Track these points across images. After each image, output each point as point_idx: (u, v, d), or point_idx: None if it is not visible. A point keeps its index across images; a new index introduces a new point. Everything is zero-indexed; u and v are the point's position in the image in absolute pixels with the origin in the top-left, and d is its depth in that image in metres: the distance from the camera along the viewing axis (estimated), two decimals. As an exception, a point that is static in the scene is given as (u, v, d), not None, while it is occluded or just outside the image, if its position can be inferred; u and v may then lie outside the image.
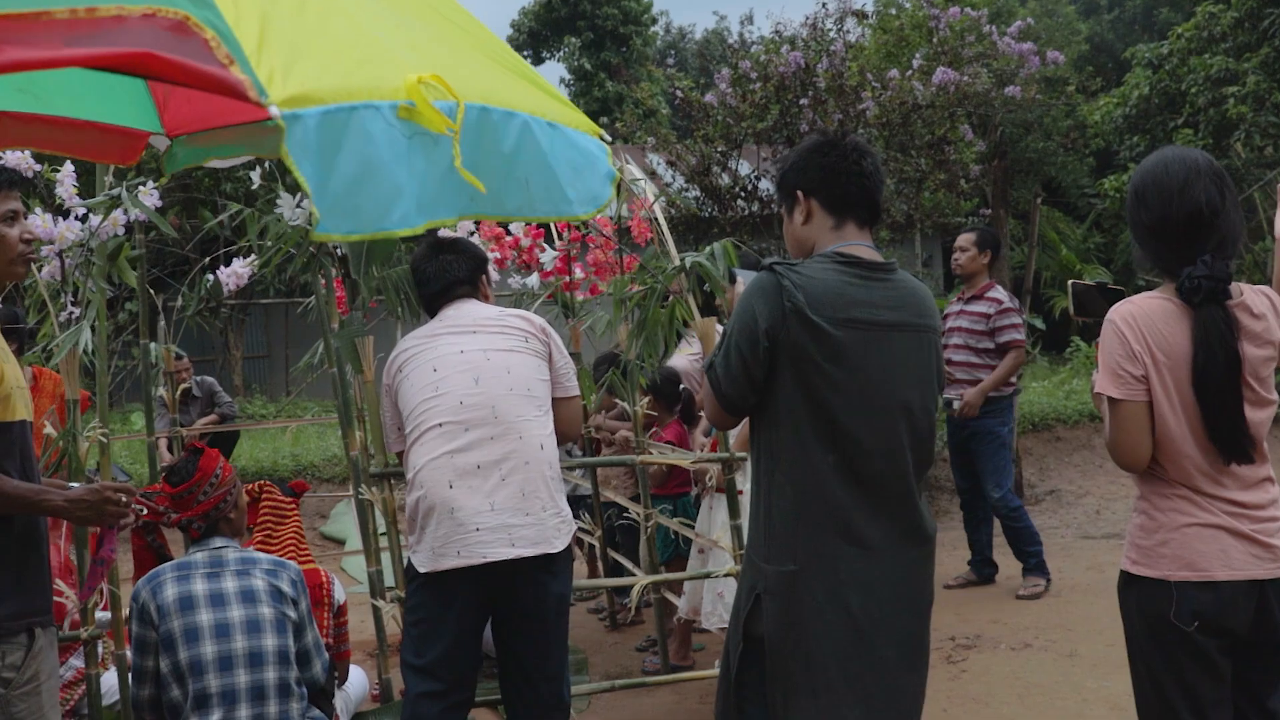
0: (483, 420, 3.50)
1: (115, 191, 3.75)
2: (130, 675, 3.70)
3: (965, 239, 6.83)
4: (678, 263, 4.19)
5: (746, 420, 2.98)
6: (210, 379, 9.88)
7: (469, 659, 3.64)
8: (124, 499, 2.94)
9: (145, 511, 3.55)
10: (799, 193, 2.94)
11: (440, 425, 3.50)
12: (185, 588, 3.61)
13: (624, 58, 29.25)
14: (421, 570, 3.52)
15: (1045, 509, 9.40)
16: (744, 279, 3.28)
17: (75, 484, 3.17)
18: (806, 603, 2.77)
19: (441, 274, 3.75)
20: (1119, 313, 2.76)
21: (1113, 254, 19.37)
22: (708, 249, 4.06)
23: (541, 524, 3.51)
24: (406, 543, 3.60)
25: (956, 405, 6.64)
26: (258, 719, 3.55)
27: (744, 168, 10.83)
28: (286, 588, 3.75)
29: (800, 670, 2.78)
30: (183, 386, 8.53)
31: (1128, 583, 2.84)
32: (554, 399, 3.73)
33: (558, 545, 3.55)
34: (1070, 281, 3.25)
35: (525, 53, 32.47)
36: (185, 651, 3.55)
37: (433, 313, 3.79)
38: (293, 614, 3.73)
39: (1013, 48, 13.10)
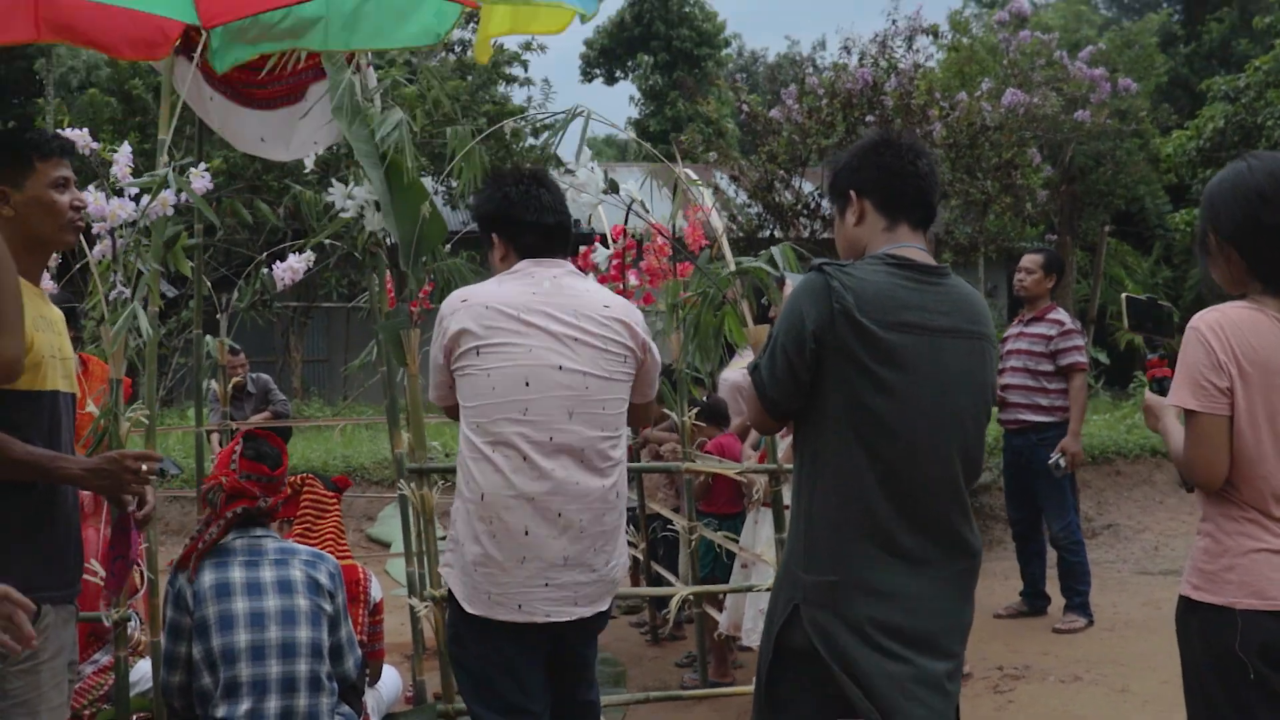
0: (570, 464, 3.11)
1: (163, 171, 3.74)
2: (162, 661, 3.68)
3: (1031, 260, 6.66)
4: (733, 267, 4.12)
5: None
6: (266, 376, 9.92)
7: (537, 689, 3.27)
8: (144, 468, 2.89)
9: (173, 473, 3.59)
10: (852, 193, 2.85)
11: (526, 460, 3.08)
12: (223, 574, 3.60)
13: (695, 76, 29.27)
14: (470, 612, 3.18)
15: (1102, 543, 9.18)
16: (792, 282, 3.18)
17: None
18: (847, 614, 2.67)
19: (539, 209, 3.25)
20: (1205, 320, 2.62)
21: (1181, 289, 19.02)
22: (766, 252, 3.99)
23: (602, 580, 3.23)
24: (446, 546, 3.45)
25: (1063, 463, 6.32)
26: (287, 710, 3.53)
27: (807, 186, 10.74)
28: (324, 580, 3.73)
29: (842, 682, 2.67)
30: (235, 380, 8.57)
31: (1188, 609, 2.68)
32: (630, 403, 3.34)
33: (609, 601, 3.31)
34: (1124, 295, 3.12)
35: (598, 70, 32.64)
36: (218, 638, 3.53)
37: (518, 250, 3.27)
38: (328, 607, 3.70)
39: (1084, 72, 12.94)
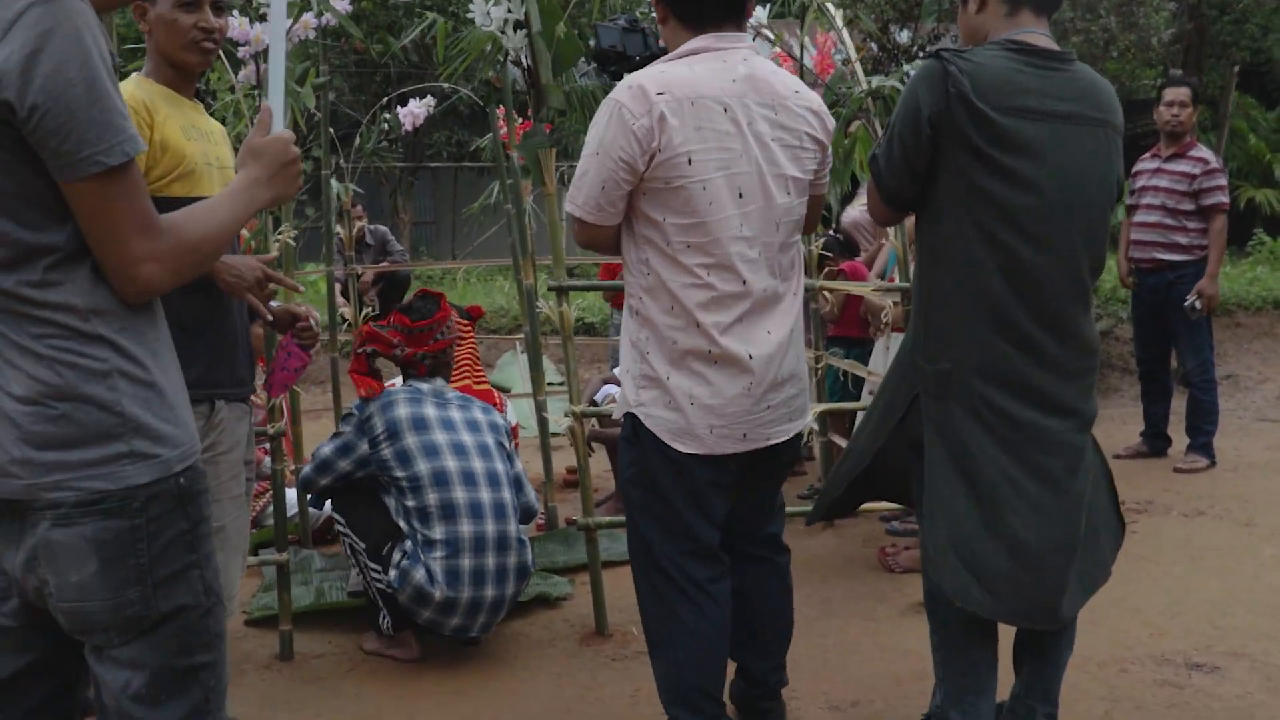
0: (769, 277, 2.84)
1: (307, -7, 3.79)
2: (322, 460, 3.89)
3: (1180, 93, 6.40)
4: (865, 86, 4.08)
5: None
6: (384, 228, 10.09)
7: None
8: (269, 285, 3.07)
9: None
10: None
11: (745, 282, 2.79)
12: (418, 409, 3.86)
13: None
14: (689, 452, 2.83)
15: (1223, 393, 8.99)
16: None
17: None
18: (965, 401, 2.70)
19: None
20: None
21: (1307, 145, 18.30)
22: (898, 71, 3.94)
23: (804, 391, 3.02)
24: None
25: (1199, 305, 6.24)
26: (501, 535, 3.78)
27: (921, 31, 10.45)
28: (500, 420, 4.02)
29: (958, 476, 2.71)
30: (357, 228, 8.72)
31: None
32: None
33: (807, 416, 3.07)
34: None
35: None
36: (425, 463, 3.76)
37: (693, 17, 2.81)
38: (509, 445, 4.00)
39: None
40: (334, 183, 6.48)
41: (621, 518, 4.00)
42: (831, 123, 3.00)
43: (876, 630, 4.16)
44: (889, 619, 4.26)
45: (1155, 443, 6.81)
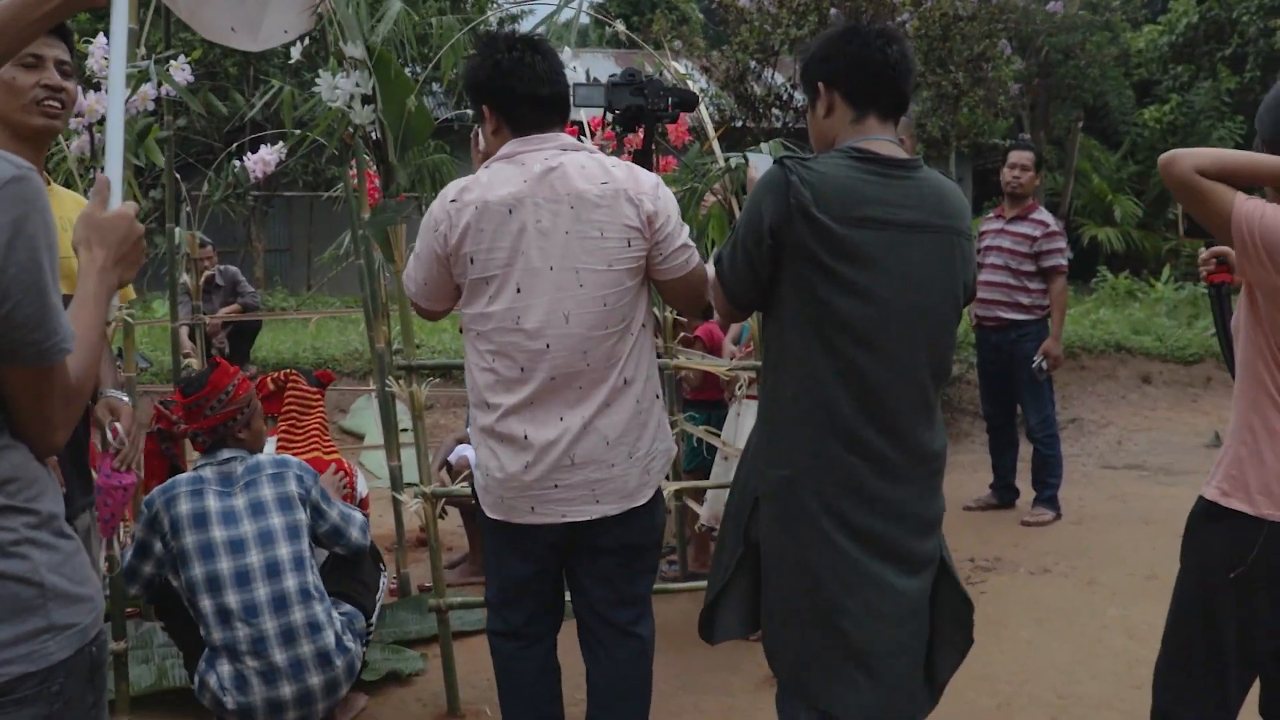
0: (570, 366, 2.91)
1: (144, 64, 3.64)
2: (131, 556, 3.74)
3: (1023, 156, 6.61)
4: (722, 163, 4.08)
5: None
6: (234, 268, 9.83)
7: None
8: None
9: (143, 367, 3.59)
10: (820, 84, 2.77)
11: (523, 370, 2.91)
12: (199, 504, 3.68)
13: (660, -39, 28.71)
14: (491, 516, 3.06)
15: (1067, 437, 9.31)
16: (755, 162, 3.13)
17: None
18: (802, 510, 2.68)
19: (533, 78, 2.92)
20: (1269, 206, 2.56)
21: (1145, 185, 19.07)
22: (758, 147, 3.94)
23: (627, 475, 3.01)
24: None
25: (1045, 365, 6.45)
26: (286, 628, 3.61)
27: (778, 78, 10.62)
28: (294, 488, 3.80)
29: (796, 579, 2.70)
30: (206, 274, 8.48)
31: (1212, 514, 2.69)
32: (663, 281, 3.05)
33: (645, 495, 3.07)
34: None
35: (559, -49, 31.90)
36: (201, 567, 3.62)
37: (509, 123, 2.97)
38: (303, 517, 3.78)
39: (1057, -41, 12.84)
40: (177, 230, 6.27)
41: (475, 597, 3.94)
42: (661, 202, 2.98)
43: (731, 706, 4.14)
44: (745, 692, 4.25)
45: (1004, 494, 6.97)
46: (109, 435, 2.95)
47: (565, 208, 2.88)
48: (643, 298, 3.03)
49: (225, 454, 3.81)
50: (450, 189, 2.99)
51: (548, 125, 2.97)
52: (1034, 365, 6.44)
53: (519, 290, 2.88)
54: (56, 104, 2.74)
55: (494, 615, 3.20)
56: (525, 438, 2.93)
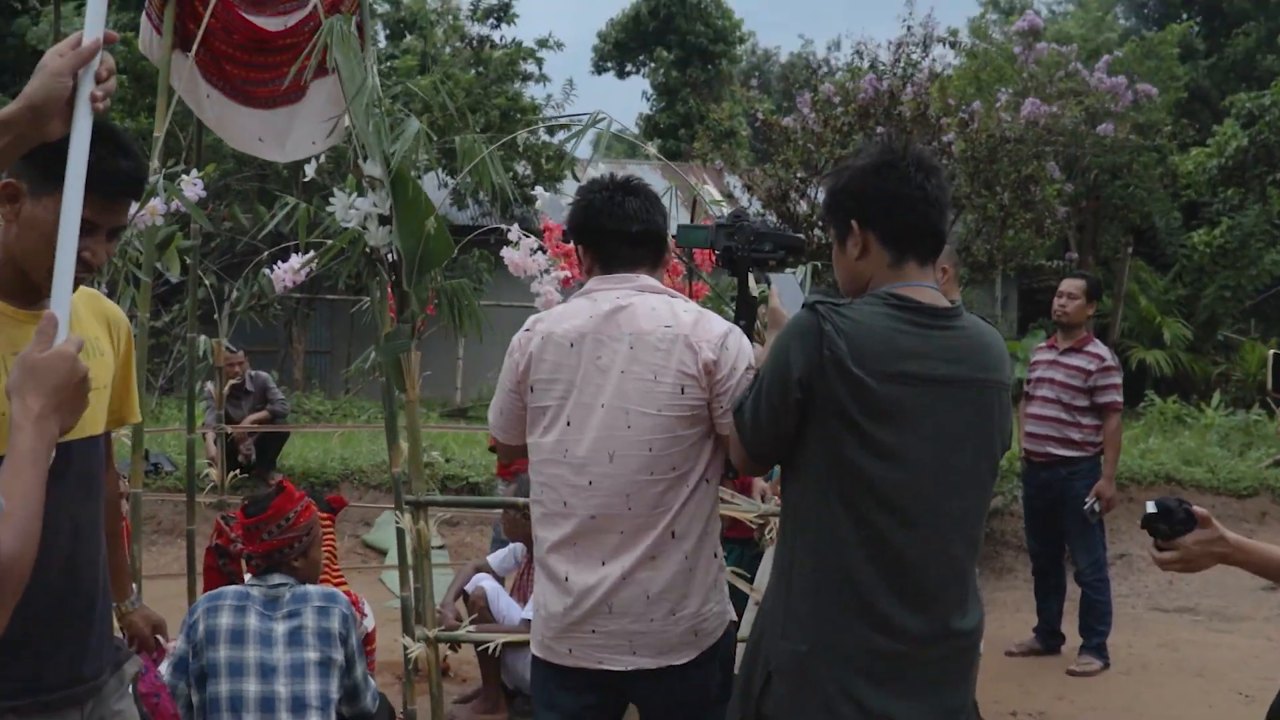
0: (612, 508, 2.83)
1: (154, 179, 3.52)
2: (168, 684, 3.58)
3: (1074, 285, 6.36)
4: (756, 292, 3.88)
5: None
6: (265, 374, 9.77)
7: None
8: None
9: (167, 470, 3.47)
10: (854, 223, 2.53)
11: (565, 504, 2.87)
12: (240, 620, 3.58)
13: (708, 75, 28.98)
14: (535, 654, 3.00)
15: (1115, 574, 8.91)
16: (779, 287, 2.92)
17: None
18: (817, 691, 2.44)
19: (621, 216, 2.96)
20: None
21: (1195, 308, 18.77)
22: (790, 272, 3.74)
23: (668, 631, 2.86)
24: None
25: (1098, 507, 6.17)
26: None
27: (822, 196, 10.54)
28: (337, 626, 3.67)
29: None
30: (232, 382, 8.39)
31: None
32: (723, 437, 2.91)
33: (688, 655, 2.88)
34: (1273, 352, 2.81)
35: (609, 64, 32.37)
36: (227, 684, 3.50)
37: (600, 260, 3.01)
38: (338, 656, 3.65)
39: (1104, 83, 12.71)
40: (201, 339, 6.15)
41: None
42: (727, 352, 2.84)
43: None
44: None
45: (1049, 640, 6.61)
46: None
47: (624, 346, 2.85)
48: (705, 449, 2.88)
49: (276, 579, 3.72)
50: (533, 317, 3.05)
51: (638, 264, 2.99)
52: (1086, 507, 6.13)
53: (568, 424, 2.87)
54: (83, 277, 2.30)
55: None
56: (566, 579, 2.87)
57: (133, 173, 2.31)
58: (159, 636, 2.97)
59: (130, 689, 2.64)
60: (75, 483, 2.31)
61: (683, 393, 2.81)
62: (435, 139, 3.74)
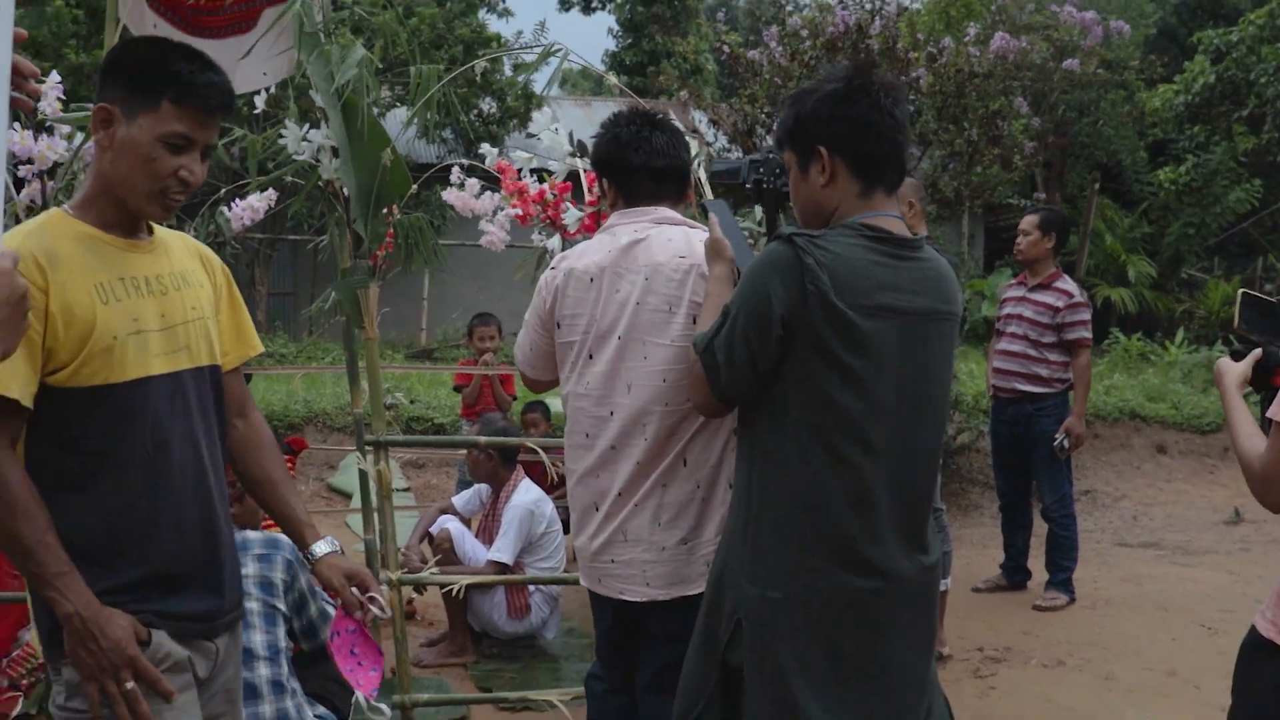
0: (629, 438, 2.88)
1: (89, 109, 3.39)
2: None
3: (1028, 221, 6.30)
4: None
5: None
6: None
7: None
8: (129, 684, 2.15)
9: None
10: (822, 149, 2.43)
11: (587, 436, 2.94)
12: None
13: (674, 10, 28.62)
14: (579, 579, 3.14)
15: (1080, 511, 8.89)
16: (716, 215, 2.84)
17: None
18: (793, 637, 2.40)
19: (648, 151, 2.97)
20: None
21: (1159, 245, 18.80)
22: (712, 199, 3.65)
23: (683, 563, 2.88)
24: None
25: (1066, 444, 6.14)
26: (253, 718, 3.29)
27: (782, 120, 10.40)
28: (279, 573, 3.52)
29: (782, 713, 2.40)
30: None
31: (1263, 648, 2.39)
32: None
33: (701, 585, 2.80)
34: (1242, 290, 2.75)
35: (575, 1, 31.96)
36: None
37: (623, 195, 3.03)
38: (282, 605, 3.51)
39: (1074, 16, 12.60)
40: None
41: (445, 694, 3.64)
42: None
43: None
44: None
45: (1015, 575, 6.62)
46: (372, 611, 2.47)
47: (640, 278, 2.88)
48: None
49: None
50: (556, 258, 3.11)
51: (661, 198, 3.01)
52: (1055, 444, 6.11)
53: (590, 357, 2.94)
54: (181, 198, 2.25)
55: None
56: (596, 509, 2.95)
57: (224, 86, 2.28)
58: (367, 592, 2.52)
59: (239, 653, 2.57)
60: (196, 414, 2.31)
61: (695, 323, 2.79)
62: (386, 71, 3.61)
